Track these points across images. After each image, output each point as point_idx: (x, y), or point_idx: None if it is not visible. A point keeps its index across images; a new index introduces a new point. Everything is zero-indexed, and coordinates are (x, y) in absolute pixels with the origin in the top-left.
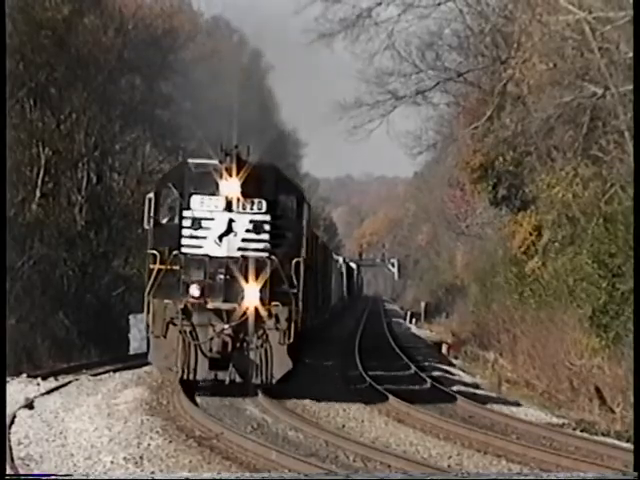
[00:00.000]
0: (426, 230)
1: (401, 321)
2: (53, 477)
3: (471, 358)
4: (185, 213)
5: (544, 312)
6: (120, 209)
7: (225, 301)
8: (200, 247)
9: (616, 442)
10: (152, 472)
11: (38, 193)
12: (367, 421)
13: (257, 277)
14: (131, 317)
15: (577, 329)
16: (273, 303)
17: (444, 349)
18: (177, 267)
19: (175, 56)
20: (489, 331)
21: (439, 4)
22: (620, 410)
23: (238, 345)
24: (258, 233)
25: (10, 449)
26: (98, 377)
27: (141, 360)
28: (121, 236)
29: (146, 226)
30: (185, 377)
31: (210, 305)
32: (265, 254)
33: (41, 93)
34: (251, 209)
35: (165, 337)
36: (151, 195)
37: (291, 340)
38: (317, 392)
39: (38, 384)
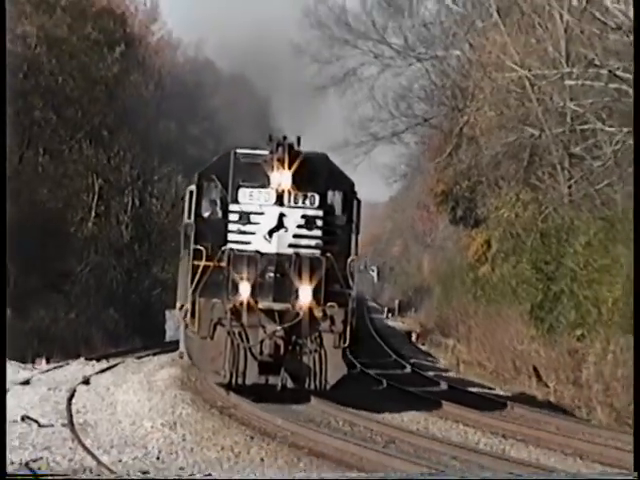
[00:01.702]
0: (399, 243)
1: (380, 315)
2: (53, 477)
3: (435, 344)
4: (232, 207)
5: (493, 308)
6: (158, 227)
7: (276, 301)
8: (248, 243)
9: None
10: (183, 435)
11: (93, 214)
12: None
13: (311, 276)
14: (167, 312)
15: (519, 321)
16: (329, 304)
17: (414, 337)
18: (223, 264)
19: (202, 104)
20: (449, 323)
21: (410, 65)
22: (553, 385)
23: (290, 348)
24: (310, 229)
25: (71, 416)
26: (140, 360)
27: (174, 346)
28: (159, 248)
29: (187, 220)
30: (233, 382)
31: (261, 305)
32: (317, 251)
33: (95, 135)
34: (303, 203)
35: (212, 339)
36: (192, 188)
37: (346, 343)
38: None
39: (93, 365)
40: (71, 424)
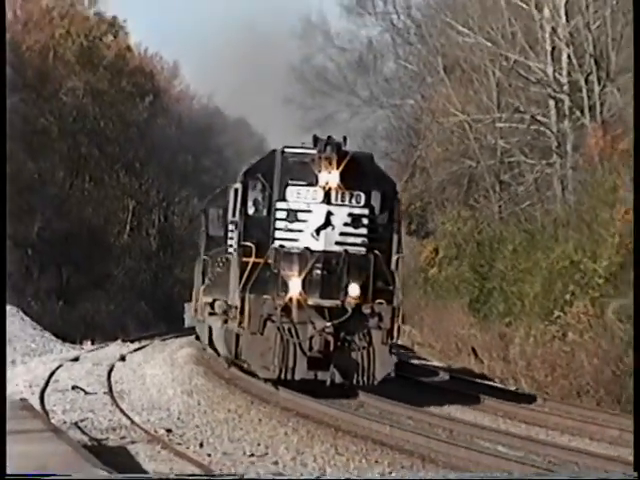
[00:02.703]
0: None
1: None
2: (53, 477)
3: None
4: (279, 204)
5: (440, 301)
6: (178, 238)
7: (325, 298)
8: (296, 240)
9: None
10: (198, 400)
11: (128, 228)
12: None
13: (359, 273)
14: (185, 305)
15: (460, 311)
16: (377, 301)
17: None
18: (270, 261)
19: (213, 142)
20: (406, 314)
21: (374, 111)
22: (487, 362)
23: (339, 344)
24: (356, 227)
25: (110, 386)
26: (164, 342)
27: (191, 331)
28: (179, 255)
29: (232, 218)
30: (283, 377)
31: (311, 302)
32: (362, 249)
33: (129, 166)
34: (349, 202)
35: (262, 334)
36: (238, 185)
37: (394, 340)
38: None
39: (128, 346)
40: (110, 392)
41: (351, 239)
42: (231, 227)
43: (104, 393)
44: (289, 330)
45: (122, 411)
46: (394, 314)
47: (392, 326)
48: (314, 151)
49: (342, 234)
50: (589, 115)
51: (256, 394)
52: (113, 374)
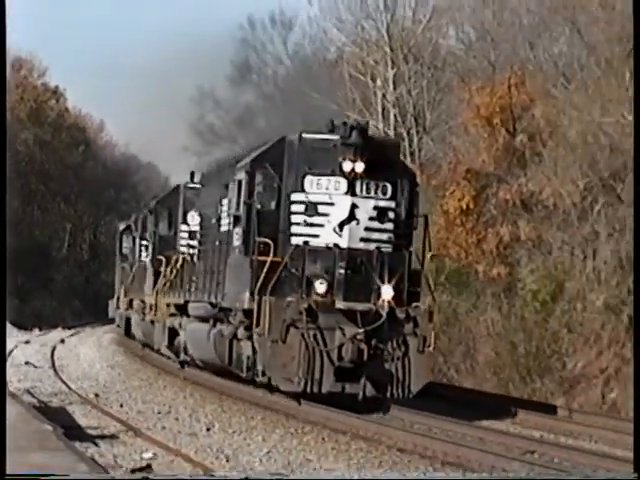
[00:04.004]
0: None
1: None
2: (53, 477)
3: None
4: (295, 196)
5: None
6: (104, 251)
7: (356, 300)
8: (316, 236)
9: None
10: (119, 372)
11: (66, 244)
12: None
13: (392, 273)
14: (109, 302)
15: None
16: (414, 304)
17: None
18: (287, 259)
19: (129, 179)
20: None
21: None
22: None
23: (371, 353)
24: (382, 222)
25: (53, 362)
26: (93, 329)
27: (113, 321)
28: (104, 264)
29: (235, 212)
30: (308, 390)
31: (341, 305)
32: (389, 246)
33: (67, 198)
34: (375, 193)
35: (284, 342)
36: (241, 177)
37: (431, 347)
38: None
39: (66, 332)
40: (53, 366)
41: (376, 235)
42: (222, 223)
43: (49, 367)
44: (314, 337)
45: (62, 380)
46: (431, 318)
47: (429, 332)
48: (336, 137)
49: (367, 229)
50: (410, 159)
51: (162, 368)
52: (55, 353)
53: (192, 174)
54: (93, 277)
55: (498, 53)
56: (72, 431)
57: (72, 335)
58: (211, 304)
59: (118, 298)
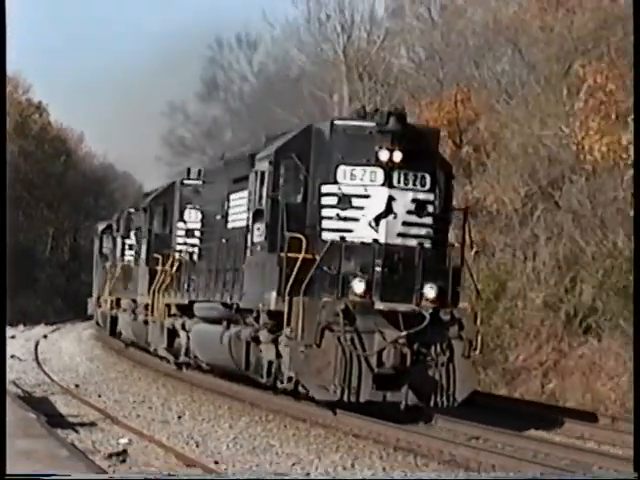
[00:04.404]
0: None
1: None
2: (53, 477)
3: None
4: (326, 188)
5: None
6: (84, 253)
7: (396, 301)
8: (350, 231)
9: None
10: (97, 365)
11: (49, 247)
12: None
13: (435, 271)
14: (89, 299)
15: None
16: (460, 305)
17: None
18: (318, 256)
19: (107, 187)
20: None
21: None
22: None
23: (414, 358)
24: (420, 216)
25: (37, 355)
26: (74, 325)
27: (91, 317)
28: (84, 264)
29: (257, 206)
30: (345, 399)
31: (381, 306)
32: (428, 242)
33: (50, 204)
34: (413, 185)
35: (319, 346)
36: (264, 168)
37: (477, 352)
38: None
39: (49, 328)
40: (37, 359)
41: (414, 230)
42: (229, 219)
43: (32, 360)
44: (352, 341)
45: (45, 372)
46: (476, 320)
47: (475, 335)
48: (372, 123)
49: (405, 224)
50: None
51: (137, 361)
52: (39, 347)
53: (189, 170)
54: (73, 277)
55: (446, 71)
56: (54, 419)
57: (54, 331)
58: (224, 304)
59: (99, 297)
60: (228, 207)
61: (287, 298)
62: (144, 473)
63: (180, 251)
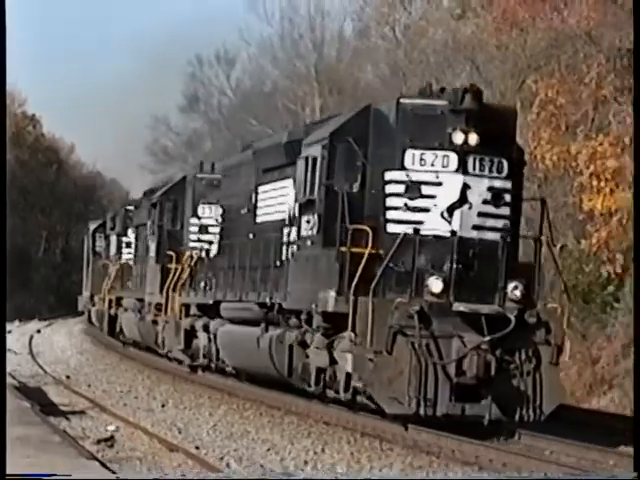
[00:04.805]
0: None
1: None
2: (53, 477)
3: None
4: (391, 175)
5: None
6: (75, 255)
7: (477, 302)
8: (420, 223)
9: None
10: (87, 357)
11: (42, 249)
12: None
13: (520, 268)
14: (79, 297)
15: None
16: (550, 306)
17: None
18: (383, 251)
19: (95, 195)
20: None
21: None
22: None
23: (498, 366)
24: (497, 206)
25: (31, 349)
26: (65, 320)
27: (82, 313)
28: (75, 264)
29: (308, 196)
30: (422, 412)
31: (461, 307)
32: (507, 235)
33: (43, 209)
34: (490, 171)
35: (390, 353)
36: (316, 153)
37: (566, 358)
38: None
39: (42, 323)
40: (31, 352)
41: (490, 221)
42: (259, 212)
43: (27, 353)
44: (428, 347)
45: (38, 364)
46: (563, 323)
47: (563, 339)
48: (444, 102)
49: (480, 215)
50: None
51: (124, 354)
52: (33, 341)
53: (201, 164)
54: (65, 277)
55: (409, 86)
56: (47, 407)
57: (47, 326)
58: (260, 305)
59: (92, 295)
60: (256, 200)
61: (352, 298)
62: (141, 467)
63: (194, 248)
